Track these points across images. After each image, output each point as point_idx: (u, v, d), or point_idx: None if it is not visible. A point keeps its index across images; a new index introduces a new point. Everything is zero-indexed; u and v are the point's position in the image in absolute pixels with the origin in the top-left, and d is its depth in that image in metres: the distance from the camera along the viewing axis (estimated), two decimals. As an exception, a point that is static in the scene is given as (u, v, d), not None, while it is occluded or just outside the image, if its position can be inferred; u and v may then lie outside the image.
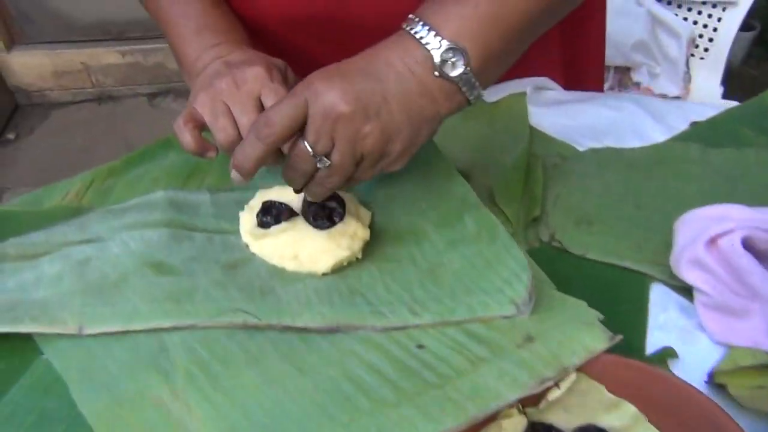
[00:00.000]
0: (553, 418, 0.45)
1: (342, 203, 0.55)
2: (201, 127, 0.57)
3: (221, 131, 0.55)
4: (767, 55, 2.06)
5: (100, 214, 0.61)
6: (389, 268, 0.54)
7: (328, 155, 0.49)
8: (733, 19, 1.39)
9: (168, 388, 0.44)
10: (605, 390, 0.45)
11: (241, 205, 0.60)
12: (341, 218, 0.54)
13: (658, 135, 0.71)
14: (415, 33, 0.49)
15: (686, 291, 0.54)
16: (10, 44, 2.23)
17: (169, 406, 0.43)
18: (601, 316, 0.47)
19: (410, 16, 0.50)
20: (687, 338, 0.51)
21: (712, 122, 0.72)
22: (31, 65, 2.25)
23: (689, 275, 0.52)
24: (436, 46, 0.48)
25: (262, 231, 0.55)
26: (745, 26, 1.79)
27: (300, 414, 0.42)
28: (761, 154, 0.66)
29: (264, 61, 0.58)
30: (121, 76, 2.30)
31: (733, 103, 0.75)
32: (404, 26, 0.50)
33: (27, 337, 0.49)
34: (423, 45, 0.48)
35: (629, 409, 0.44)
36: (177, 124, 0.56)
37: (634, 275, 0.56)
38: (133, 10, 2.20)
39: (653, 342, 0.51)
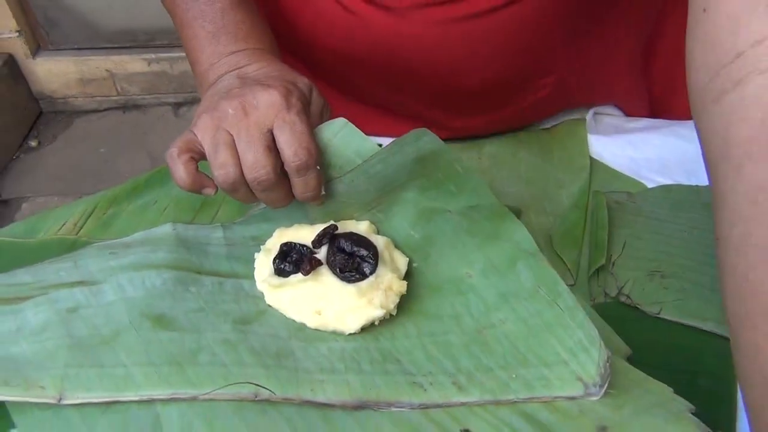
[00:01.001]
0: None
1: (374, 251, 0.47)
2: (199, 158, 0.49)
3: (220, 168, 0.47)
4: None
5: (98, 249, 0.53)
6: (429, 327, 0.46)
7: None
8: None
9: (160, 480, 0.36)
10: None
11: (257, 242, 0.52)
12: (373, 270, 0.46)
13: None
14: None
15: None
16: (36, 50, 2.19)
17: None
18: (693, 408, 0.38)
19: None
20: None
21: None
22: (56, 72, 2.21)
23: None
24: None
25: (280, 280, 0.47)
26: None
27: None
28: None
29: (283, 82, 0.50)
30: (147, 84, 2.25)
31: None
32: None
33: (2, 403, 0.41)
34: None
35: None
36: (170, 154, 0.48)
37: (719, 341, 0.48)
38: (160, 18, 2.15)
39: (744, 427, 0.43)
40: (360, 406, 0.40)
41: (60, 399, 0.40)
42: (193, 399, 0.40)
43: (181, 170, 0.47)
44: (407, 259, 0.49)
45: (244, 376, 0.41)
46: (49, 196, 1.93)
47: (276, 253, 0.49)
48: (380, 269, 0.46)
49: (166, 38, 2.20)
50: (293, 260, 0.47)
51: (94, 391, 0.40)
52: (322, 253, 0.48)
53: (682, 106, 0.65)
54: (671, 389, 0.40)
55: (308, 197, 0.50)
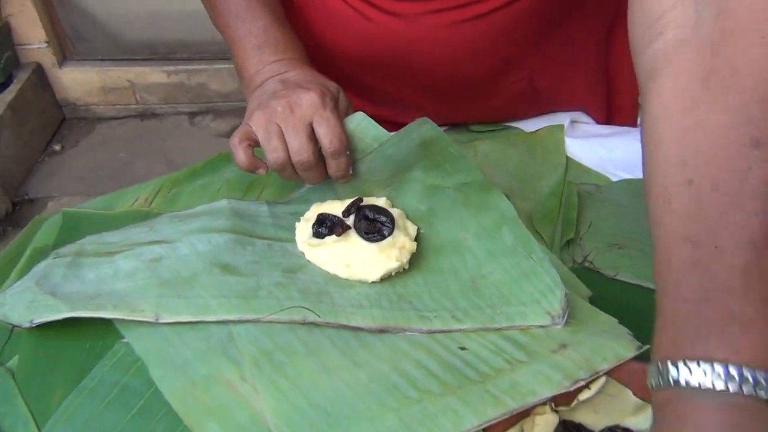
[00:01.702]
0: (583, 417, 0.49)
1: (391, 218, 0.60)
2: (254, 145, 0.63)
3: (273, 152, 0.61)
4: None
5: (168, 218, 0.67)
6: (434, 278, 0.59)
7: None
8: None
9: (237, 372, 0.50)
10: (632, 394, 0.49)
11: (295, 216, 0.65)
12: (390, 232, 0.59)
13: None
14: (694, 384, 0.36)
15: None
16: (62, 60, 2.33)
17: (238, 388, 0.48)
18: (631, 333, 0.52)
19: (658, 362, 0.39)
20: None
21: None
22: (80, 81, 2.35)
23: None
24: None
25: (317, 241, 0.61)
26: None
27: (354, 399, 0.47)
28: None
29: (318, 86, 0.64)
30: (165, 94, 2.39)
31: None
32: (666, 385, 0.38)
33: (109, 322, 0.54)
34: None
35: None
36: (233, 142, 0.62)
37: (662, 297, 0.60)
38: (179, 32, 2.30)
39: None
40: (382, 330, 0.54)
41: (157, 319, 0.53)
42: (257, 321, 0.53)
43: (241, 154, 0.61)
44: (416, 226, 0.63)
45: (292, 310, 0.54)
46: (73, 196, 2.06)
47: (314, 221, 0.62)
48: (396, 233, 0.60)
49: (185, 52, 2.34)
50: (328, 226, 0.61)
51: (182, 314, 0.53)
52: (350, 221, 0.61)
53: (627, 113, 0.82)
54: (616, 320, 0.53)
55: (339, 176, 0.64)
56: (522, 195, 0.72)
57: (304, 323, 0.53)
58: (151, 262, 0.59)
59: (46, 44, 2.25)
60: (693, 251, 0.39)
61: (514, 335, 0.53)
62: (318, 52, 0.77)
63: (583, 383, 0.48)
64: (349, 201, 0.63)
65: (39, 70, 2.28)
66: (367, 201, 0.63)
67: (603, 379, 0.49)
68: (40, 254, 0.64)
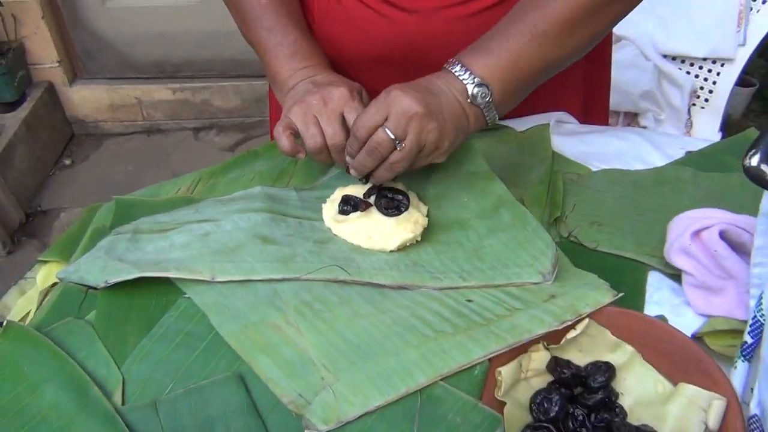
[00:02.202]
0: (570, 355, 0.60)
1: (407, 197, 0.71)
2: (294, 134, 0.73)
3: (311, 138, 0.72)
4: (764, 109, 2.25)
5: (211, 202, 0.77)
6: (442, 248, 0.70)
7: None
8: (730, 74, 1.57)
9: (283, 318, 0.60)
10: (610, 333, 0.59)
11: (321, 200, 0.76)
12: (406, 209, 0.70)
13: (657, 161, 0.86)
14: (454, 71, 0.69)
15: (677, 277, 0.68)
16: (73, 78, 2.44)
17: (284, 330, 0.59)
18: (609, 284, 0.63)
19: (451, 59, 0.70)
20: (676, 311, 0.65)
21: (703, 152, 0.87)
22: (90, 98, 2.46)
23: (678, 261, 0.66)
24: (469, 81, 0.68)
25: (343, 217, 0.71)
26: (744, 83, 1.97)
27: (381, 337, 0.58)
28: (744, 177, 0.81)
29: (347, 83, 0.75)
30: (170, 111, 2.50)
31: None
32: (446, 66, 0.70)
33: (171, 282, 0.64)
34: (460, 79, 0.68)
35: (628, 349, 0.59)
36: (277, 131, 0.73)
37: (635, 264, 0.71)
38: (185, 51, 2.41)
39: (648, 312, 0.65)
40: (401, 287, 0.64)
41: (213, 278, 0.63)
42: (297, 279, 0.64)
43: (284, 141, 0.71)
44: (427, 206, 0.73)
45: (326, 269, 0.65)
46: (83, 207, 2.15)
47: (339, 201, 0.73)
48: (411, 209, 0.70)
49: (189, 70, 2.46)
50: (352, 204, 0.71)
51: (233, 275, 0.64)
52: (371, 201, 0.72)
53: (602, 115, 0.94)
54: (596, 275, 0.64)
55: None
56: (514, 183, 0.83)
57: (336, 281, 0.64)
58: (201, 236, 0.70)
59: (57, 64, 2.36)
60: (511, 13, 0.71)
61: (512, 290, 0.64)
62: (338, 61, 0.87)
63: (569, 323, 0.58)
64: (369, 185, 0.73)
65: (51, 89, 2.39)
66: (385, 185, 0.74)
67: (586, 321, 0.59)
68: (100, 234, 0.74)
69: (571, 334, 0.59)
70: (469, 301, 0.63)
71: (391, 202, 0.70)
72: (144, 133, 2.55)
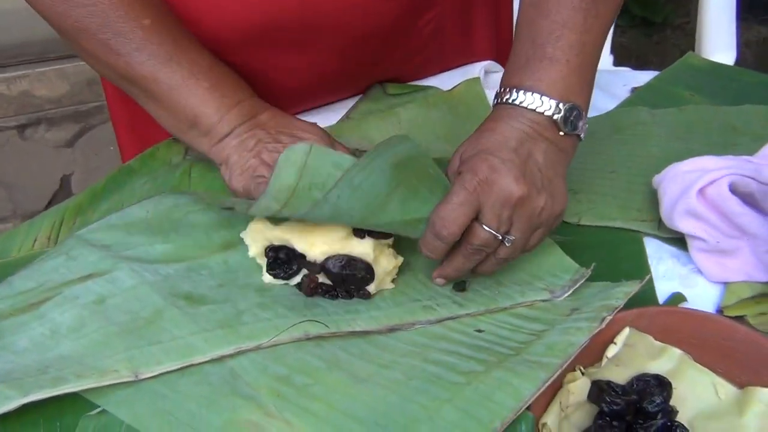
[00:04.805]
0: (609, 374, 0.49)
1: (364, 279, 0.53)
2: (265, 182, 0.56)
3: None
4: (630, 23, 2.29)
5: (81, 242, 0.56)
6: (423, 274, 0.56)
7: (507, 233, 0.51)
8: None
9: (258, 410, 0.43)
10: (652, 339, 0.49)
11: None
12: (369, 289, 0.53)
13: (606, 104, 0.77)
14: (521, 103, 0.53)
15: (675, 241, 0.60)
16: None
17: (266, 427, 0.42)
18: (583, 268, 0.55)
19: (502, 89, 0.55)
20: (688, 282, 0.57)
21: (650, 87, 0.81)
22: None
23: (684, 225, 0.58)
24: (550, 108, 0.52)
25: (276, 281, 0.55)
26: None
27: (402, 401, 0.44)
28: (700, 110, 0.75)
29: (309, 127, 0.61)
30: (-18, 108, 2.11)
31: (652, 72, 0.84)
32: (502, 100, 0.54)
33: (70, 394, 0.45)
34: (537, 111, 0.52)
35: (674, 353, 0.49)
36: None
37: (627, 233, 0.62)
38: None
39: (661, 290, 0.56)
40: (392, 329, 0.50)
41: (137, 375, 0.45)
42: (257, 348, 0.47)
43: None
44: (401, 258, 0.56)
45: (296, 326, 0.48)
46: None
47: (263, 250, 0.54)
48: (376, 271, 0.53)
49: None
50: (283, 265, 0.54)
51: (164, 363, 0.46)
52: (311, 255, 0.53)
53: None
54: (611, 284, 0.54)
55: None
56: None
57: (308, 338, 0.48)
58: (94, 305, 0.50)
59: None
60: (528, 10, 0.55)
61: (522, 311, 0.52)
62: (205, 41, 0.67)
63: (609, 318, 0.48)
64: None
65: None
66: (345, 247, 0.53)
67: (627, 331, 0.48)
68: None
69: (612, 350, 0.48)
70: (480, 331, 0.50)
71: (349, 293, 0.53)
72: (-47, 140, 2.14)
